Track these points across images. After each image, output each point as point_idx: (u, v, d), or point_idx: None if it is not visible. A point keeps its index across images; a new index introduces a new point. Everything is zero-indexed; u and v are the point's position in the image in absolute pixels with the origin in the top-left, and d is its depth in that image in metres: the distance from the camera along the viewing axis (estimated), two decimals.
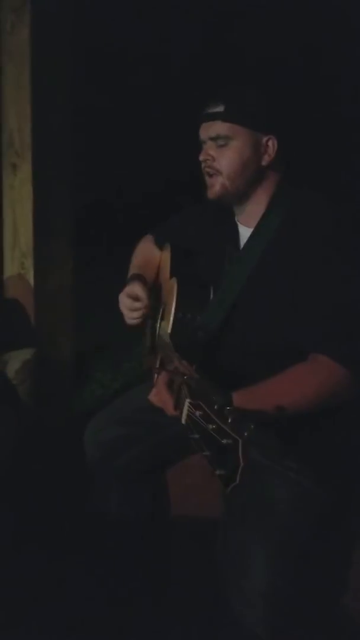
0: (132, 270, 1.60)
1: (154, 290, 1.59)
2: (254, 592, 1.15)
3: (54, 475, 1.64)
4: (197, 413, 0.94)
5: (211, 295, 1.38)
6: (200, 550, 1.53)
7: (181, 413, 1.02)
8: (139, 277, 1.52)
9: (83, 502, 1.55)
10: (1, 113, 1.83)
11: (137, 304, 1.43)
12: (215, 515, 1.42)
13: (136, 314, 1.44)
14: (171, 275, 1.48)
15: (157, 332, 1.50)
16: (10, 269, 1.79)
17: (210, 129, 1.32)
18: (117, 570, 1.52)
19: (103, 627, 1.43)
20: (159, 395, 1.17)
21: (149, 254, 1.65)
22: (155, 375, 1.45)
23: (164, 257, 1.61)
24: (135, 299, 1.44)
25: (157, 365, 1.45)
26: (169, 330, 1.36)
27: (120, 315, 1.56)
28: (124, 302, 1.45)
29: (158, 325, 1.51)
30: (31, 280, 1.73)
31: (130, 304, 1.44)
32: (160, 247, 1.66)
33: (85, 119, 1.97)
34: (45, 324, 1.76)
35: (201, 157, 1.34)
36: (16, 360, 1.58)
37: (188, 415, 0.98)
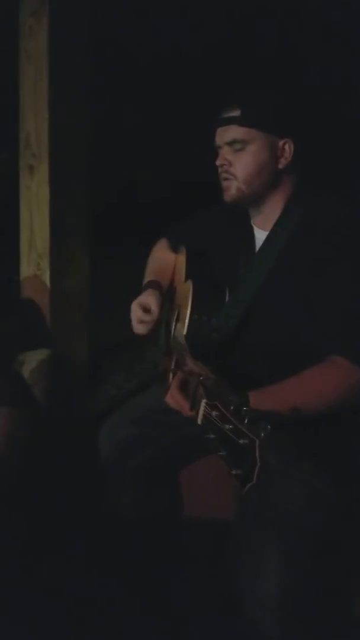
0: (148, 276, 1.61)
1: (169, 293, 1.60)
2: (266, 594, 1.15)
3: (67, 475, 1.65)
4: (214, 413, 0.95)
5: (226, 298, 1.39)
6: (212, 552, 1.53)
7: (197, 413, 1.03)
8: (154, 285, 1.53)
9: (96, 502, 1.56)
10: (19, 115, 1.85)
11: (147, 317, 1.45)
12: (227, 517, 1.43)
13: (143, 327, 1.46)
14: (186, 278, 1.49)
15: (172, 333, 1.51)
16: (26, 270, 1.81)
17: (226, 134, 1.32)
18: (127, 570, 1.53)
19: (111, 627, 1.43)
20: (175, 396, 1.18)
21: (163, 259, 1.66)
22: (171, 377, 1.46)
23: (179, 260, 1.62)
24: (147, 310, 1.45)
25: (173, 367, 1.46)
26: (184, 332, 1.36)
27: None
28: (135, 312, 1.47)
29: (173, 326, 1.52)
30: (47, 281, 1.74)
31: (141, 315, 1.45)
32: (175, 250, 1.66)
33: (102, 122, 1.98)
34: (60, 325, 1.77)
35: (218, 162, 1.35)
36: (32, 361, 1.59)
37: (204, 416, 0.99)
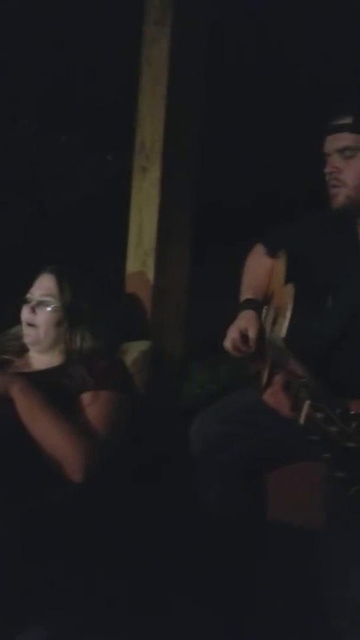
0: (245, 292, 1.63)
1: (266, 298, 1.61)
2: (355, 605, 1.14)
3: (158, 466, 1.70)
4: (318, 415, 0.96)
5: (329, 303, 1.39)
6: (293, 557, 1.53)
7: (299, 415, 1.05)
8: (253, 306, 1.54)
9: (184, 495, 1.60)
10: (132, 119, 1.94)
11: (244, 347, 1.47)
12: (310, 526, 1.42)
13: (238, 354, 1.48)
14: (286, 282, 1.50)
15: (268, 336, 1.53)
16: (132, 266, 1.90)
17: (336, 141, 1.33)
18: (206, 566, 1.56)
19: (190, 626, 1.45)
20: (275, 396, 1.20)
21: (259, 267, 1.68)
22: (265, 378, 1.48)
23: (278, 265, 1.63)
24: (244, 340, 1.47)
25: (268, 368, 1.48)
26: (283, 335, 1.38)
27: (224, 319, 1.60)
28: (234, 338, 1.49)
29: (269, 329, 1.53)
30: (151, 278, 1.82)
31: (238, 344, 1.48)
32: (273, 255, 1.68)
33: (215, 127, 2.05)
34: (159, 320, 1.84)
35: (327, 170, 1.36)
36: (134, 351, 1.67)
37: (308, 417, 1.00)
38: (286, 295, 1.44)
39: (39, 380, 1.47)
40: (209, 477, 1.54)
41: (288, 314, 1.38)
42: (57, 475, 1.35)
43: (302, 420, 1.03)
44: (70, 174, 3.91)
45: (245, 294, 1.62)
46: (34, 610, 1.28)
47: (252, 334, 1.48)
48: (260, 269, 1.67)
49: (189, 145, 1.86)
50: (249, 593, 1.51)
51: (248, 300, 1.58)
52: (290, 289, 1.43)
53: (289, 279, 1.50)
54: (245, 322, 1.50)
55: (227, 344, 1.50)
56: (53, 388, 1.46)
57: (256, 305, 1.55)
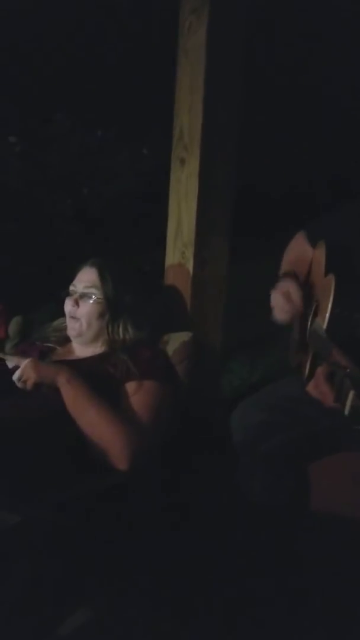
0: (284, 266, 1.64)
1: (306, 286, 1.60)
2: None
3: (199, 457, 1.72)
4: None
5: None
6: (336, 549, 1.52)
7: (344, 405, 1.04)
8: (291, 275, 1.55)
9: (226, 484, 1.61)
10: (174, 109, 1.93)
11: (289, 306, 1.48)
12: (353, 516, 1.41)
13: (286, 315, 1.49)
14: (327, 272, 1.49)
15: (309, 327, 1.52)
16: (171, 258, 1.90)
17: None
18: (250, 556, 1.57)
19: (232, 615, 1.47)
20: (320, 386, 1.20)
21: (301, 251, 1.67)
22: (307, 369, 1.48)
23: (318, 254, 1.62)
24: (288, 299, 1.48)
25: (310, 359, 1.47)
26: (325, 326, 1.37)
27: (265, 310, 1.60)
28: (277, 301, 1.50)
29: (309, 320, 1.53)
30: (190, 270, 1.82)
31: (283, 304, 1.49)
32: (314, 244, 1.66)
33: (254, 119, 2.02)
34: (199, 312, 1.85)
35: None
36: (175, 341, 1.68)
37: (353, 408, 1.00)
38: (327, 286, 1.43)
39: (83, 368, 1.50)
40: (251, 466, 1.55)
41: (329, 305, 1.38)
42: (104, 464, 1.38)
43: (347, 411, 1.02)
44: (107, 168, 3.95)
45: (284, 268, 1.63)
46: (81, 595, 1.31)
47: (294, 293, 1.50)
48: (301, 253, 1.67)
49: (227, 135, 1.85)
50: (291, 583, 1.51)
51: (286, 272, 1.59)
52: (331, 280, 1.42)
53: (329, 269, 1.49)
54: (285, 285, 1.52)
55: (275, 310, 1.52)
56: (98, 377, 1.49)
57: (294, 275, 1.57)
